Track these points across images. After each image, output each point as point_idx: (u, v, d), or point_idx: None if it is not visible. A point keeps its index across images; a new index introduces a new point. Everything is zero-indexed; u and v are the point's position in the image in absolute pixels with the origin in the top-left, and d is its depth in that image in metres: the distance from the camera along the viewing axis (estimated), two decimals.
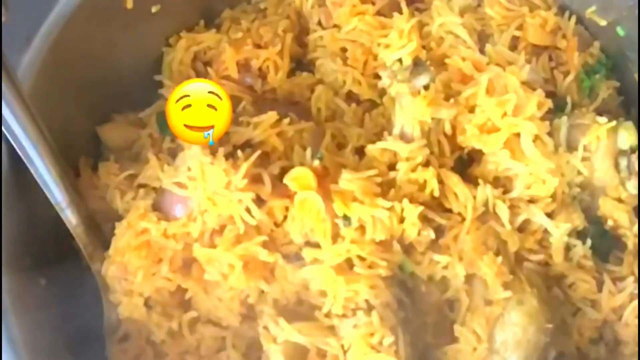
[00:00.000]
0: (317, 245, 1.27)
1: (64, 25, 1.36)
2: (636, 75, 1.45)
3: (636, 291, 1.32)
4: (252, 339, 1.32)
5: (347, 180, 1.26)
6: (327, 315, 1.27)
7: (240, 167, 1.27)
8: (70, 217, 1.31)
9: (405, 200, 1.27)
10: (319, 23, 1.51)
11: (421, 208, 1.27)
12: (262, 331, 1.26)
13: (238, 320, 1.32)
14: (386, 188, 1.29)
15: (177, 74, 1.47)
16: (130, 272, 1.30)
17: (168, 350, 1.33)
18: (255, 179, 1.28)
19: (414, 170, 1.29)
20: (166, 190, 1.32)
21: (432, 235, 1.29)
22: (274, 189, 1.29)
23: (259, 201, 1.28)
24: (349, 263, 1.27)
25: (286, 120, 1.35)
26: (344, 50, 1.46)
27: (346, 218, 1.26)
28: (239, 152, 1.29)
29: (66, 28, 1.35)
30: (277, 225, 1.30)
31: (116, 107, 1.46)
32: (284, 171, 1.29)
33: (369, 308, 1.26)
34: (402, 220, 1.28)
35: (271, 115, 1.34)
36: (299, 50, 1.51)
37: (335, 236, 1.27)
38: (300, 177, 1.26)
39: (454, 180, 1.31)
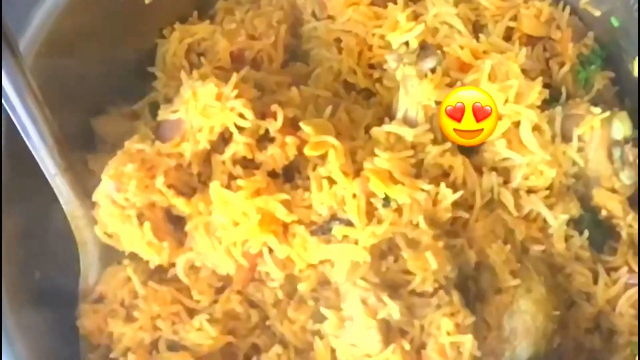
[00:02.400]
0: (346, 223, 1.25)
1: (57, 17, 1.35)
2: (630, 65, 1.45)
3: (630, 281, 1.33)
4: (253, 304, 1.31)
5: (385, 160, 1.26)
6: (410, 293, 1.26)
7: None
8: (50, 164, 1.28)
9: (443, 184, 1.27)
10: (313, 14, 1.50)
11: (460, 193, 1.28)
12: (361, 305, 1.23)
13: (234, 269, 1.28)
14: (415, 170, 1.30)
15: (171, 65, 1.47)
16: (123, 183, 1.27)
17: (139, 314, 1.29)
18: (263, 115, 1.28)
19: (442, 155, 1.30)
20: (161, 121, 1.32)
21: (467, 216, 1.31)
22: (284, 128, 1.28)
23: (268, 140, 1.28)
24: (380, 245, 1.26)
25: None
26: (338, 41, 1.46)
27: (386, 199, 1.25)
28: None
29: (59, 20, 1.35)
30: (289, 161, 1.29)
31: (110, 100, 1.46)
32: (296, 120, 1.29)
33: (448, 286, 1.26)
34: (435, 203, 1.28)
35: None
36: (292, 41, 1.50)
37: (369, 215, 1.25)
38: (319, 125, 1.27)
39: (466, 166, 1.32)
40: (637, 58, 1.42)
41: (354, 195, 1.25)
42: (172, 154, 1.29)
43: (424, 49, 1.34)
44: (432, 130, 1.32)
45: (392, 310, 1.22)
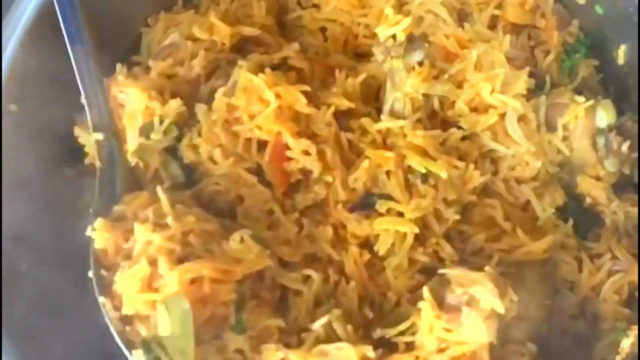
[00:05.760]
0: (387, 198, 1.26)
1: (40, 5, 1.34)
2: (614, 53, 1.45)
3: (614, 268, 1.34)
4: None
5: (422, 137, 1.27)
6: None
7: None
8: (84, 64, 1.31)
9: (472, 166, 1.29)
10: (298, 3, 1.50)
11: (488, 176, 1.30)
12: (496, 292, 1.19)
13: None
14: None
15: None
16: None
17: (172, 222, 1.19)
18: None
19: (463, 140, 1.32)
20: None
21: (474, 199, 1.32)
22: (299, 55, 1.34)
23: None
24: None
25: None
26: (323, 30, 1.46)
27: (424, 175, 1.26)
28: None
29: (43, 9, 1.34)
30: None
31: None
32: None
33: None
34: (462, 184, 1.29)
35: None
36: (278, 30, 1.49)
37: (408, 191, 1.26)
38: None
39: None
40: (621, 46, 1.43)
41: (389, 173, 1.26)
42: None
43: (411, 41, 1.35)
44: (420, 122, 1.33)
45: (513, 301, 1.20)
